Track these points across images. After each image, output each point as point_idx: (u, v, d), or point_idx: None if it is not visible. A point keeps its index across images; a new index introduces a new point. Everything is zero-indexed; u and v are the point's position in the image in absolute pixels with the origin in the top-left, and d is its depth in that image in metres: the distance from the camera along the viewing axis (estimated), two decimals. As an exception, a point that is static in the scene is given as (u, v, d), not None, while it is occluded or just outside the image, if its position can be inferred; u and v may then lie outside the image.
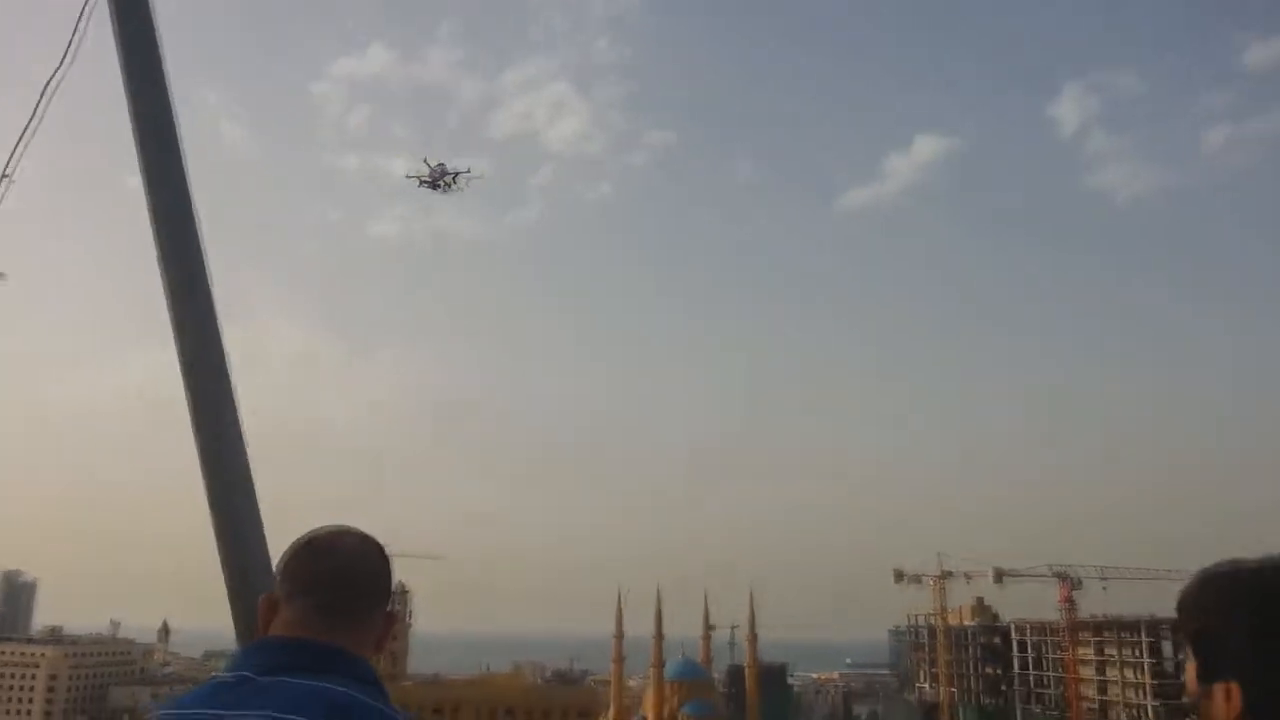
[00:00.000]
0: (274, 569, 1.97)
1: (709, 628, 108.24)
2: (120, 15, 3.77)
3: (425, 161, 62.52)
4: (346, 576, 1.87)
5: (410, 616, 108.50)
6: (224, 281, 3.78)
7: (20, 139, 4.05)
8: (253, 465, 3.56)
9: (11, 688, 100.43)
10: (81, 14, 3.83)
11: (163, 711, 1.74)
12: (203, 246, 3.74)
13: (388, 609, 1.95)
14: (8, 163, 4.05)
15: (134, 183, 3.56)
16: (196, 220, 3.72)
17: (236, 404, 3.59)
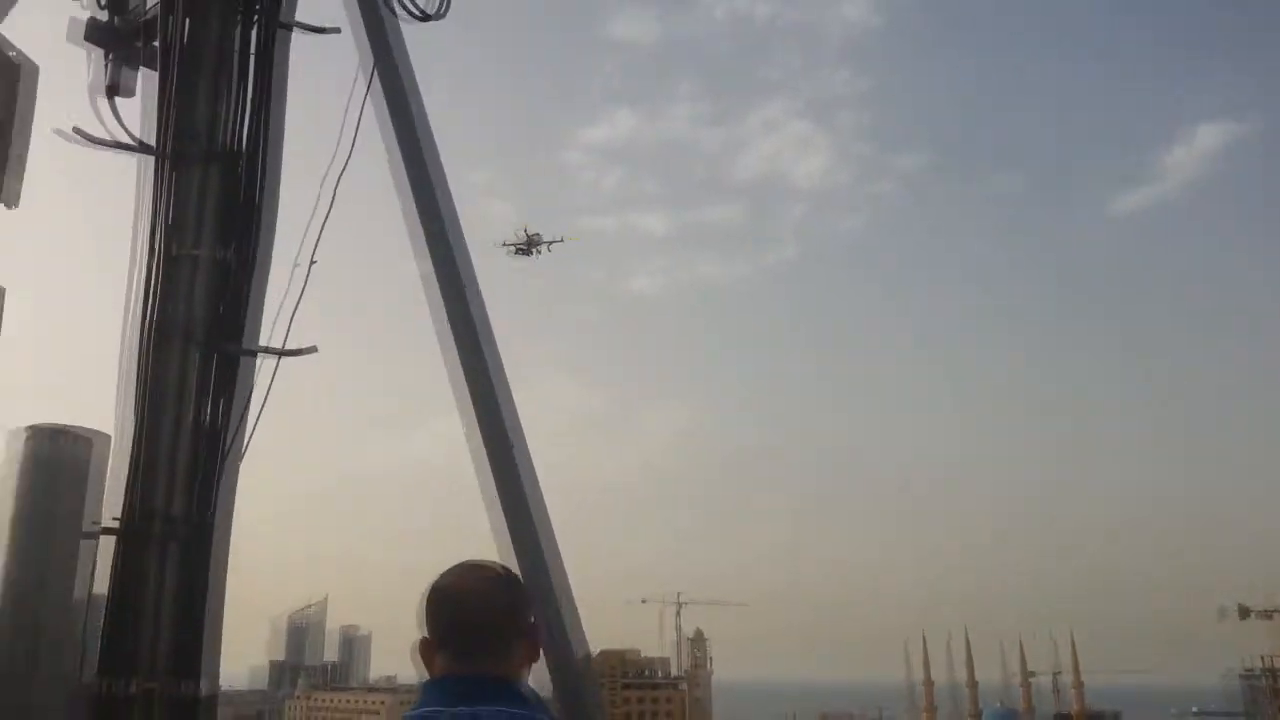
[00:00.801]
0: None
1: (1028, 674, 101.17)
2: (393, 109, 4.03)
3: (525, 231, 69.93)
4: (474, 624, 2.00)
5: (710, 664, 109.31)
6: (505, 349, 3.95)
7: (320, 226, 4.43)
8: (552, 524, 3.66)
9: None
10: (362, 109, 4.14)
11: None
12: (486, 315, 3.90)
13: (529, 625, 2.06)
14: (314, 249, 4.39)
15: (415, 262, 3.80)
16: (479, 293, 3.90)
17: (534, 467, 3.72)
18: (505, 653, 2.02)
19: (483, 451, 3.69)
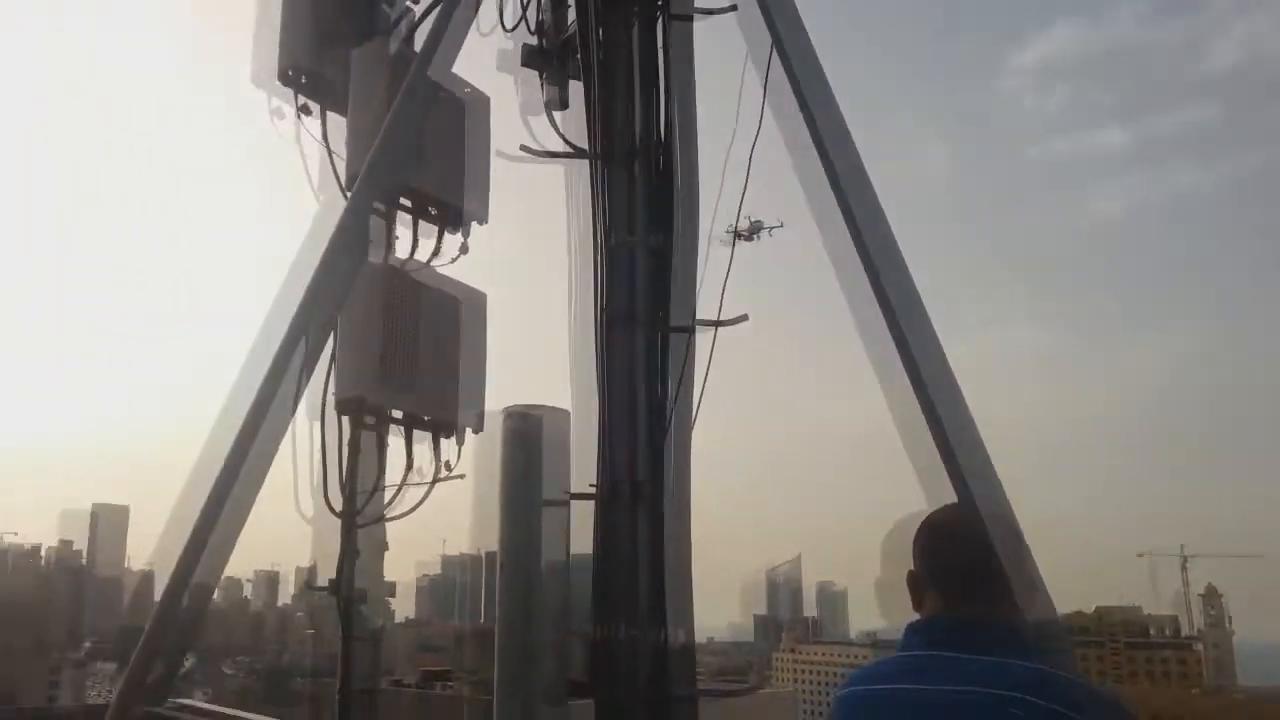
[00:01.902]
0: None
1: None
2: (796, 74, 4.09)
3: (749, 219, 65.22)
4: (971, 571, 1.86)
5: (1230, 623, 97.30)
6: (959, 295, 3.87)
7: (739, 202, 4.70)
8: (1018, 477, 3.53)
9: (839, 682, 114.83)
10: (766, 80, 4.29)
11: (852, 688, 1.87)
12: (907, 269, 3.83)
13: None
14: (735, 224, 4.60)
15: (815, 226, 3.85)
16: (898, 247, 3.84)
17: (969, 413, 3.61)
18: (1003, 598, 1.87)
19: (916, 408, 3.64)
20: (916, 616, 1.89)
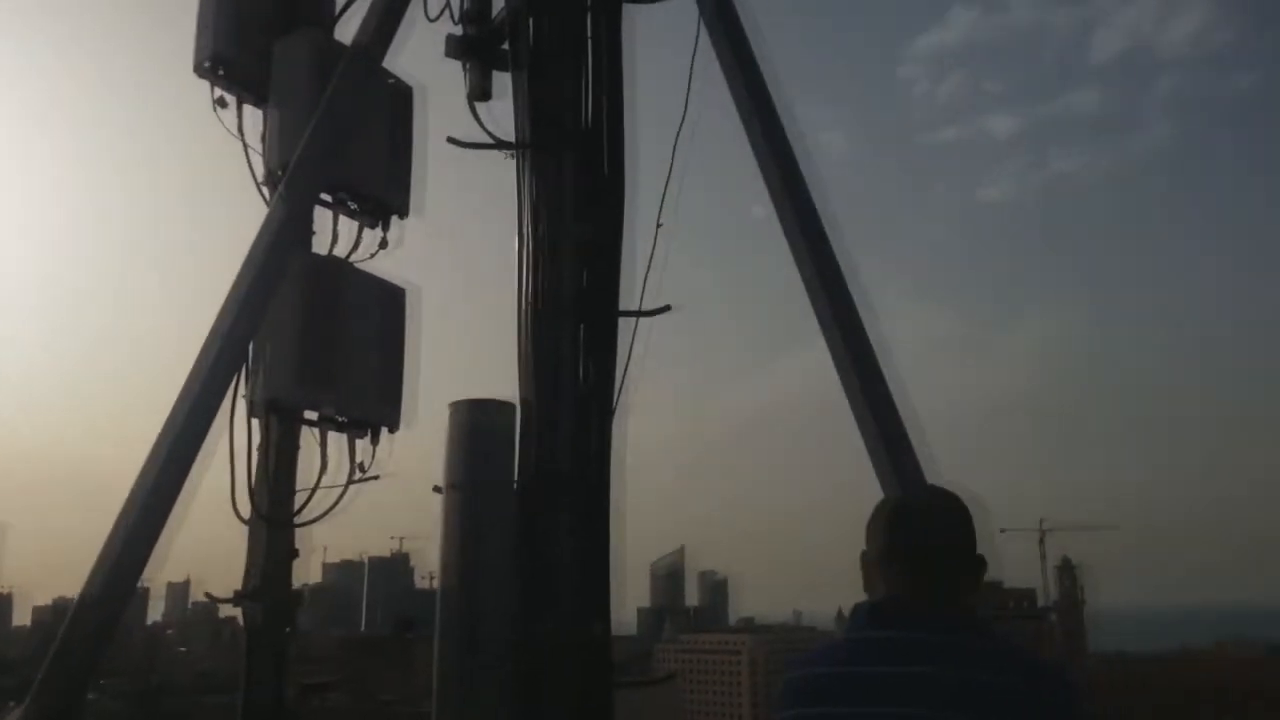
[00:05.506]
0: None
1: None
2: (729, 60, 4.13)
3: None
4: (933, 554, 1.82)
5: (1082, 593, 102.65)
6: (853, 277, 3.97)
7: (663, 190, 4.73)
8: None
9: (720, 669, 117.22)
10: (691, 66, 4.35)
11: (807, 670, 1.78)
12: (836, 252, 3.93)
13: (980, 558, 1.89)
14: (659, 213, 4.65)
15: (759, 211, 3.92)
16: (829, 232, 3.93)
17: (891, 392, 3.73)
18: (959, 581, 1.84)
19: (857, 391, 3.73)
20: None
